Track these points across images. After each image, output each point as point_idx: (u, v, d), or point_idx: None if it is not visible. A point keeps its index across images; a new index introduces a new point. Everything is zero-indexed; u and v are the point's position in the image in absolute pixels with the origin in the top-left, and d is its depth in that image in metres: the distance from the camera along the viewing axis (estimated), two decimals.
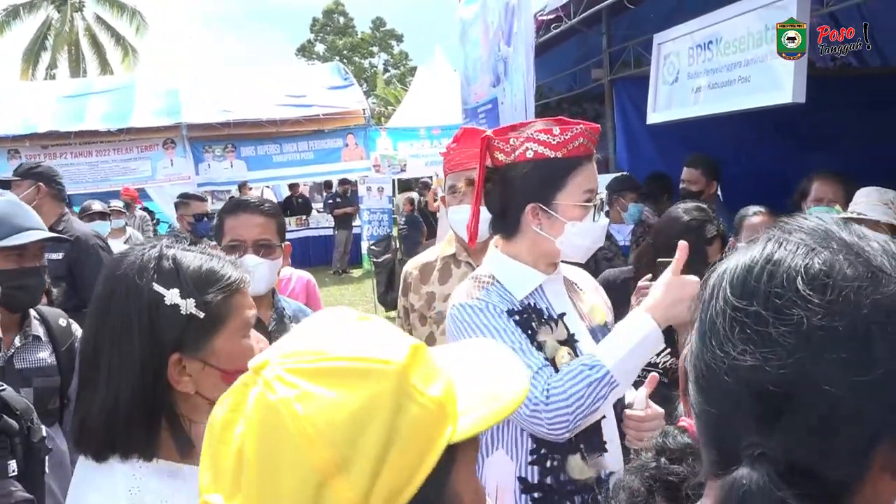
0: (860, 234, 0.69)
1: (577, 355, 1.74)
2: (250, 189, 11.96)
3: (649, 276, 2.25)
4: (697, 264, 1.69)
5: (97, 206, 6.64)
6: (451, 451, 0.74)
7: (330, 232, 15.13)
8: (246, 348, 1.25)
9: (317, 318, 0.82)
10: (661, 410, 1.75)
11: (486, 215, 1.87)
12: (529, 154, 1.74)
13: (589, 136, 1.77)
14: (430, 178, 13.81)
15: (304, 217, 15.75)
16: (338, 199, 14.83)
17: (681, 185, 4.82)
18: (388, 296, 9.60)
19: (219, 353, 1.23)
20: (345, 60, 35.24)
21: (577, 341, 1.79)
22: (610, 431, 1.81)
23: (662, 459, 0.88)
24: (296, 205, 15.73)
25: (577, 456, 1.74)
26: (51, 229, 2.86)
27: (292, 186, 15.73)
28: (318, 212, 16.46)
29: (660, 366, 2.49)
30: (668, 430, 0.92)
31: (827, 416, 0.63)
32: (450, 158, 2.79)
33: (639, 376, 1.77)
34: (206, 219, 6.31)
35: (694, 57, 4.96)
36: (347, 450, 0.69)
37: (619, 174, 5.71)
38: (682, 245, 1.74)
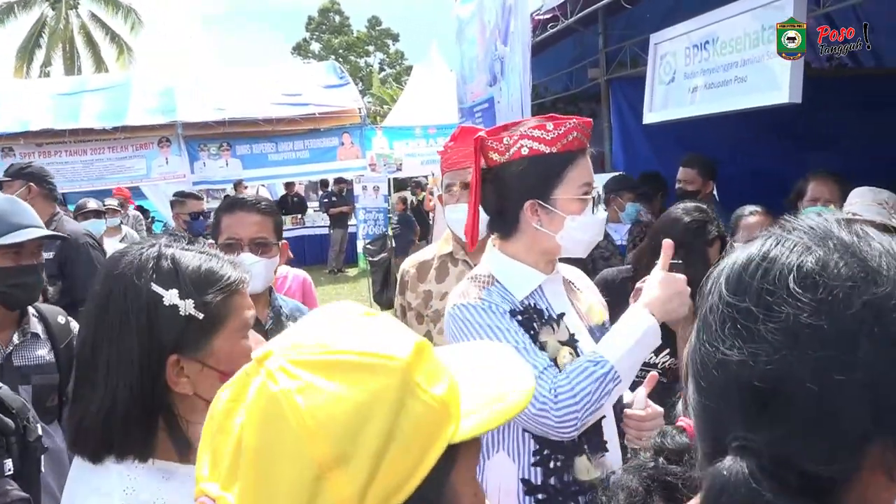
0: (862, 234, 0.69)
1: (578, 355, 1.74)
2: (246, 188, 11.93)
3: (648, 277, 2.26)
4: (698, 265, 1.70)
5: (92, 204, 6.61)
6: (453, 452, 0.74)
7: (325, 231, 15.11)
8: (245, 349, 1.24)
9: (322, 312, 0.82)
10: (661, 410, 1.76)
11: (484, 216, 1.87)
12: (524, 151, 1.73)
13: (582, 130, 1.77)
14: (426, 177, 13.79)
15: (299, 216, 15.73)
16: (333, 198, 14.81)
17: (677, 185, 4.82)
18: (383, 295, 9.60)
19: (217, 354, 1.23)
20: (340, 59, 35.17)
21: (576, 341, 1.79)
22: (610, 431, 1.82)
23: (660, 459, 0.88)
24: (291, 203, 15.70)
25: (584, 457, 1.74)
26: None
27: (288, 185, 15.70)
28: (314, 211, 16.44)
29: (659, 366, 2.49)
30: (667, 429, 0.92)
31: (811, 414, 0.64)
32: (447, 157, 2.79)
33: (637, 376, 1.77)
34: (201, 217, 6.29)
35: (690, 57, 4.97)
36: (347, 444, 0.68)
37: (617, 174, 5.71)
38: (668, 243, 1.80)
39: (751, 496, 0.63)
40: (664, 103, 5.35)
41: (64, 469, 2.13)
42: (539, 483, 1.75)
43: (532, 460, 1.75)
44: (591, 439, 1.76)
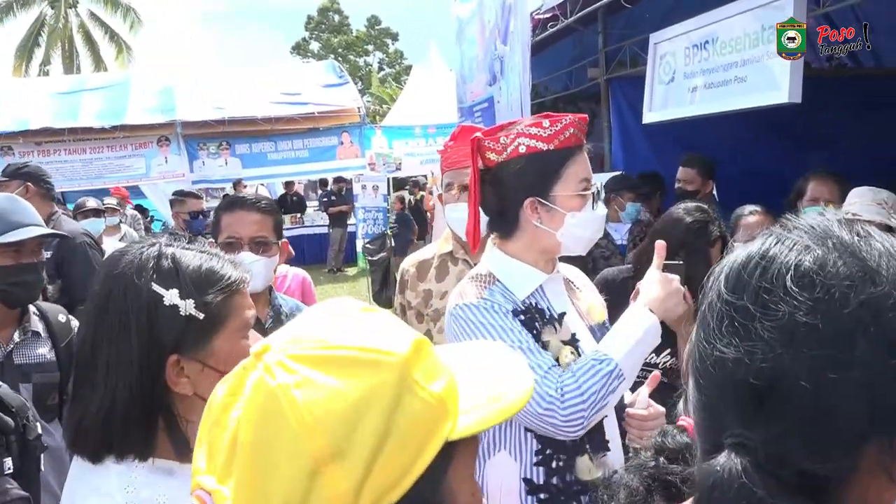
0: (863, 233, 0.69)
1: (579, 355, 1.74)
2: (245, 187, 11.92)
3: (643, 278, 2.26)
4: (700, 265, 1.71)
5: (92, 202, 6.60)
6: (450, 449, 0.74)
7: (325, 230, 15.11)
8: (245, 349, 1.22)
9: (321, 307, 0.82)
10: (663, 409, 1.76)
11: (483, 216, 1.87)
12: (522, 149, 1.73)
13: (578, 127, 1.77)
14: (425, 176, 13.78)
15: (298, 215, 15.73)
16: (332, 198, 14.81)
17: (676, 185, 4.83)
18: (382, 294, 9.60)
19: (218, 354, 1.22)
20: (340, 58, 35.16)
21: (578, 341, 1.79)
22: (611, 430, 1.82)
23: (661, 459, 0.88)
24: (290, 203, 15.70)
25: (585, 457, 1.74)
26: None
27: (287, 184, 15.69)
28: (314, 210, 16.43)
29: (660, 366, 2.49)
30: (668, 429, 0.92)
31: (806, 412, 0.64)
32: (447, 156, 2.79)
33: (639, 377, 1.78)
34: (201, 216, 6.29)
35: (690, 57, 4.97)
36: (344, 439, 0.68)
37: (617, 173, 5.71)
38: (660, 244, 1.85)
39: (743, 492, 0.63)
40: (664, 103, 5.34)
41: (64, 467, 2.12)
42: (541, 483, 1.74)
43: (534, 460, 1.75)
44: (594, 439, 1.76)
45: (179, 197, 6.71)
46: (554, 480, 1.74)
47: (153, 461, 1.21)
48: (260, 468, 0.69)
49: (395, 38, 44.05)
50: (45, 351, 2.46)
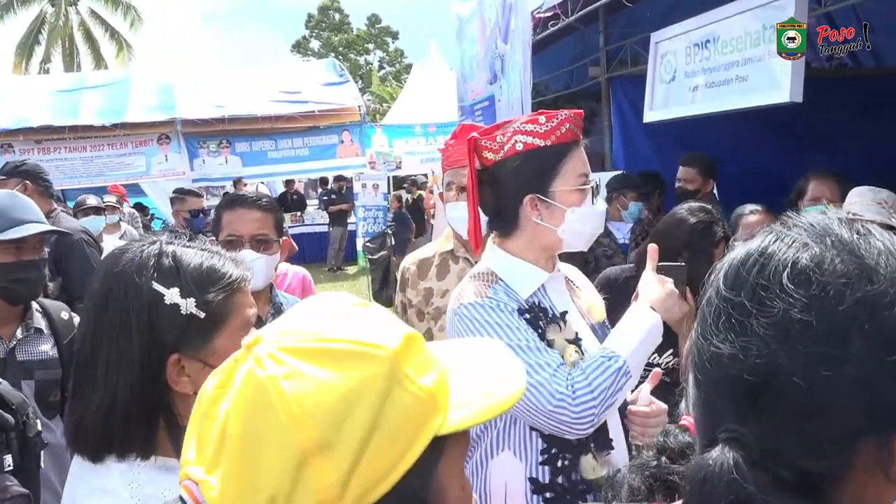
0: (863, 231, 0.69)
1: (583, 353, 1.74)
2: (245, 185, 11.91)
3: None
4: (703, 266, 1.70)
5: (92, 200, 6.59)
6: (440, 444, 0.74)
7: (325, 229, 15.10)
8: None
9: (314, 301, 0.82)
10: (665, 406, 1.76)
11: (483, 215, 1.87)
12: (519, 147, 1.73)
13: (574, 122, 1.77)
14: (425, 175, 13.79)
15: (298, 213, 15.72)
16: (333, 196, 14.80)
17: (677, 184, 4.83)
18: (383, 293, 9.62)
19: (219, 352, 1.20)
20: (340, 57, 35.17)
21: (581, 340, 1.79)
22: (615, 429, 1.82)
23: (663, 458, 0.88)
24: (290, 201, 15.69)
25: (589, 456, 1.74)
26: None
27: (287, 183, 15.69)
28: (314, 208, 16.43)
29: (662, 365, 2.49)
30: (669, 429, 0.92)
31: (801, 408, 0.64)
32: (447, 155, 2.79)
33: (640, 376, 1.78)
34: (201, 214, 6.27)
35: (691, 56, 4.97)
36: (332, 431, 0.68)
37: (619, 172, 5.71)
38: (652, 247, 1.88)
39: (733, 487, 0.64)
40: (665, 102, 5.34)
41: (66, 464, 2.13)
42: (547, 482, 1.74)
43: (540, 459, 1.74)
44: (598, 437, 1.76)
45: (180, 195, 6.69)
46: (559, 479, 1.73)
47: (155, 459, 1.21)
48: (248, 459, 0.69)
49: (395, 36, 44.05)
50: (47, 348, 2.47)
